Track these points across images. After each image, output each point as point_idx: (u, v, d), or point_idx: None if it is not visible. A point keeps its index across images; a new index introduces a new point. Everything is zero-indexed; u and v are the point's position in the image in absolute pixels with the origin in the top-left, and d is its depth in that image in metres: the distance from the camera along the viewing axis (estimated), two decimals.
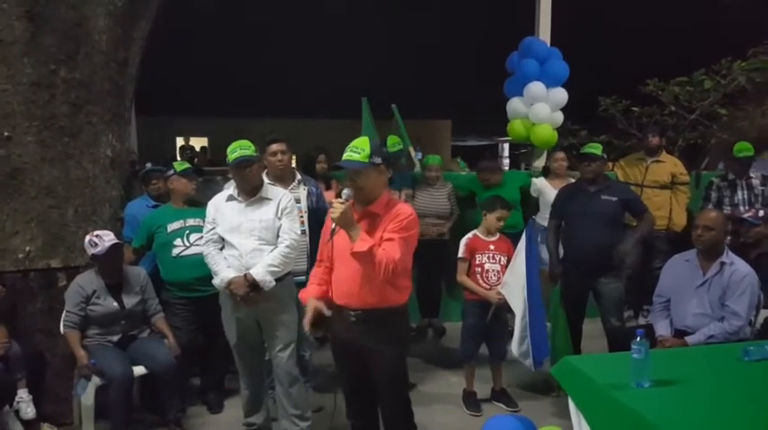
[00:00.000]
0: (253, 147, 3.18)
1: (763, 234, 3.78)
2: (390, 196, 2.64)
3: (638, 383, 2.18)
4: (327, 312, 2.57)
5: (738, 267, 3.21)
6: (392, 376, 2.61)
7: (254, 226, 3.13)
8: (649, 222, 3.98)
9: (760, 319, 3.45)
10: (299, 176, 3.79)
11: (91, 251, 3.36)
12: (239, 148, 3.11)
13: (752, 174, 4.80)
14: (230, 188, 3.27)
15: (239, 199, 3.18)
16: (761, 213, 3.91)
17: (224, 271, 3.11)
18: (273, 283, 3.07)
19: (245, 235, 3.13)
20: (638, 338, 2.19)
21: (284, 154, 3.62)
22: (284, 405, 3.23)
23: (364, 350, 2.57)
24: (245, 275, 3.06)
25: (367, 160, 2.47)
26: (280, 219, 3.17)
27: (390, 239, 2.44)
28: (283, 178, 3.68)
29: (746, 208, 4.58)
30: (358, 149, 2.49)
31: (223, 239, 3.19)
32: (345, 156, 2.50)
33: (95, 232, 3.41)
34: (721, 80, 6.79)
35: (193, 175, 3.90)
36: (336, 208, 2.39)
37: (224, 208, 3.19)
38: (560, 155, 5.20)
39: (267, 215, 3.15)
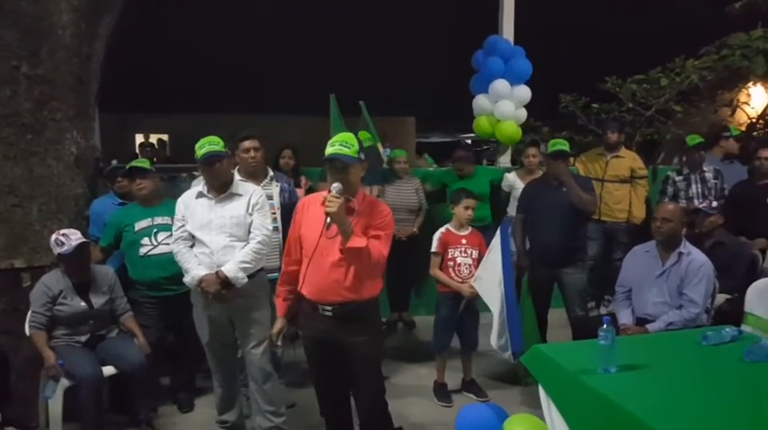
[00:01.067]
0: (221, 143, 3.14)
1: (717, 224, 3.96)
2: (366, 194, 2.69)
3: (605, 369, 2.28)
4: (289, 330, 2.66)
5: (695, 257, 3.36)
6: (368, 367, 2.66)
7: (225, 222, 3.10)
8: (586, 197, 3.97)
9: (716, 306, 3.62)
10: (270, 173, 3.79)
11: (57, 250, 3.29)
12: (207, 144, 3.07)
13: (705, 168, 5.02)
14: (200, 185, 3.24)
15: (209, 195, 3.15)
16: (714, 204, 4.09)
17: (195, 268, 3.07)
18: (246, 280, 3.05)
19: (216, 232, 3.10)
20: (605, 325, 2.29)
21: (257, 151, 3.61)
22: (258, 401, 3.22)
23: (340, 344, 2.60)
24: (216, 272, 3.03)
25: (356, 155, 2.51)
26: (251, 214, 3.14)
27: (377, 237, 2.51)
28: (255, 175, 3.67)
29: (700, 200, 4.78)
30: (348, 144, 2.50)
31: (193, 237, 3.16)
32: (334, 149, 2.49)
33: (61, 231, 3.34)
34: (676, 78, 7.04)
35: (135, 175, 3.76)
36: (332, 202, 2.39)
37: (194, 205, 3.16)
38: (532, 150, 5.33)
39: (238, 211, 3.12)
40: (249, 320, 3.16)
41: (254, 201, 3.18)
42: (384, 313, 4.99)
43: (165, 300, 3.66)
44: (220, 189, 3.15)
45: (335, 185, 2.45)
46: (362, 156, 2.55)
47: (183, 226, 3.17)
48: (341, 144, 2.50)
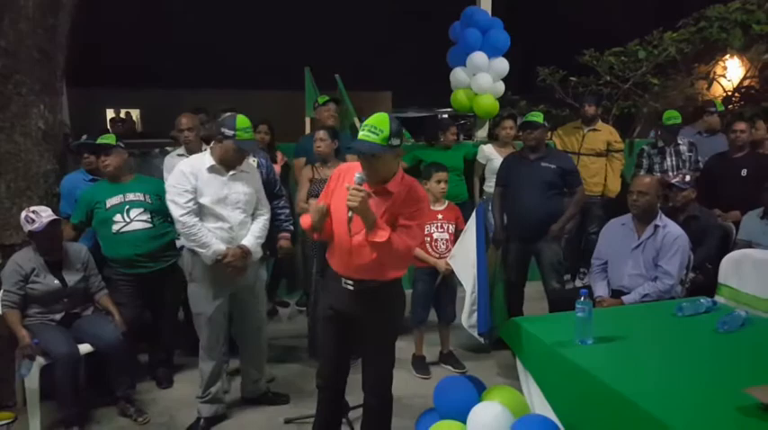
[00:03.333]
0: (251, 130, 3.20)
1: (690, 198, 4.01)
2: (403, 172, 2.50)
3: (582, 340, 2.32)
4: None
5: (671, 230, 3.41)
6: (381, 344, 2.63)
7: (240, 198, 3.17)
8: (579, 200, 4.12)
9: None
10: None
11: (28, 228, 3.21)
12: (247, 130, 3.11)
13: (679, 141, 5.08)
14: (203, 157, 3.16)
15: (220, 170, 3.13)
16: (687, 178, 4.14)
17: (216, 243, 3.09)
18: (261, 253, 3.28)
19: (231, 207, 3.15)
20: (582, 298, 2.32)
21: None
22: (253, 361, 3.50)
23: (358, 317, 2.57)
24: (239, 246, 3.16)
25: (385, 143, 2.29)
26: (257, 191, 3.28)
27: (407, 227, 2.38)
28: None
29: (675, 173, 4.84)
30: (377, 130, 2.29)
31: (200, 211, 3.12)
32: (361, 135, 2.31)
33: (31, 208, 3.25)
34: (654, 51, 7.05)
35: (100, 152, 3.64)
36: (354, 195, 2.25)
37: (208, 178, 3.11)
38: (509, 122, 5.33)
39: (250, 187, 3.22)
40: (255, 291, 3.40)
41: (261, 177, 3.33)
42: None
43: (140, 277, 3.61)
44: (231, 165, 3.15)
45: (358, 176, 2.32)
46: (395, 142, 2.31)
47: (193, 198, 3.09)
48: (369, 129, 2.30)
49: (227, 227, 3.14)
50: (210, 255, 3.09)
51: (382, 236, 2.30)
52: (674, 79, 7.52)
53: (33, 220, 3.19)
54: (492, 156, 5.18)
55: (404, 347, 4.22)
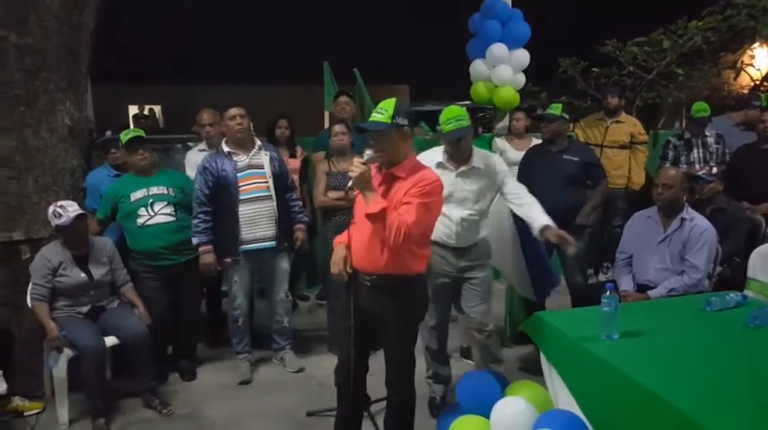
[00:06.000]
0: (467, 118, 3.01)
1: (717, 190, 3.93)
2: (417, 161, 2.55)
3: (608, 335, 2.29)
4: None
5: (698, 222, 3.34)
6: (399, 342, 2.59)
7: (466, 196, 3.08)
8: (603, 191, 4.08)
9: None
10: (258, 142, 3.76)
11: (55, 222, 3.26)
12: (455, 120, 2.96)
13: (707, 133, 4.98)
14: (436, 153, 3.12)
15: (450, 167, 3.07)
16: (714, 170, 4.06)
17: None
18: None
19: (454, 204, 3.06)
20: (608, 292, 2.29)
21: (243, 117, 3.59)
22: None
23: (376, 314, 2.55)
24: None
25: (390, 121, 2.40)
26: (486, 188, 3.12)
27: (408, 203, 2.38)
28: (243, 143, 3.66)
29: (701, 165, 4.76)
30: (381, 110, 2.42)
31: None
32: (371, 117, 2.46)
33: (58, 203, 3.31)
34: (678, 40, 6.92)
35: (136, 145, 3.68)
36: (355, 168, 2.35)
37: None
38: (518, 114, 5.29)
39: (477, 185, 3.08)
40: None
41: (501, 172, 3.13)
42: None
43: (163, 269, 3.66)
44: (462, 162, 3.07)
45: (367, 152, 2.41)
46: (400, 121, 2.41)
47: None
48: (376, 111, 2.45)
49: (447, 223, 3.05)
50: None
51: (374, 207, 2.33)
52: (700, 69, 7.37)
53: (60, 215, 3.24)
54: (505, 148, 5.14)
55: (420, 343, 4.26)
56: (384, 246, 2.43)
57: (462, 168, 3.07)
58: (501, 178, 3.15)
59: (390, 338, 2.59)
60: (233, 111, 3.59)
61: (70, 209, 3.27)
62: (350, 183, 2.39)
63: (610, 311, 2.29)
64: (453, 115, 2.98)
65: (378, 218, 2.33)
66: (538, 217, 3.06)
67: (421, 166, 2.52)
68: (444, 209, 2.97)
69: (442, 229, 3.08)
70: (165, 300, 3.73)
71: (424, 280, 2.65)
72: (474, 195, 3.08)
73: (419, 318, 2.72)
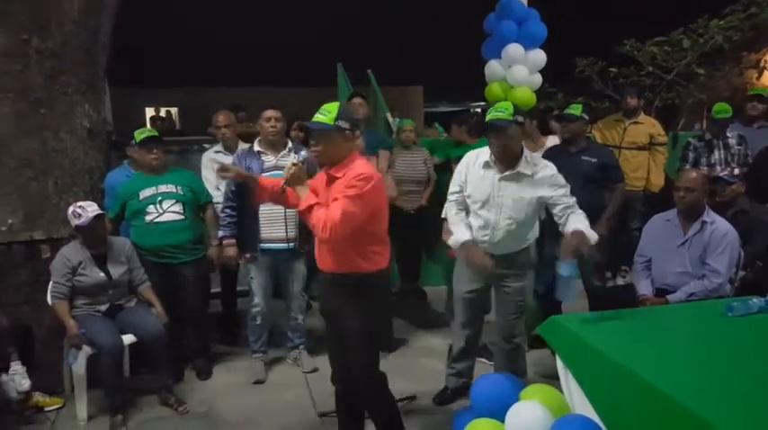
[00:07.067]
0: (510, 109, 2.87)
1: (739, 192, 3.86)
2: (357, 160, 2.55)
3: (565, 298, 2.57)
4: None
5: (719, 226, 3.28)
6: (354, 341, 2.59)
7: (504, 202, 2.96)
8: (619, 197, 4.01)
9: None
10: (290, 144, 3.79)
11: (74, 222, 3.31)
12: (494, 110, 2.89)
13: (728, 134, 4.89)
14: (485, 152, 3.01)
15: (494, 168, 2.99)
16: (736, 172, 3.99)
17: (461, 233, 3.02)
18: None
19: (493, 208, 3.00)
20: (565, 264, 2.50)
21: (278, 120, 3.65)
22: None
23: (334, 312, 2.64)
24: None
25: (332, 122, 2.47)
26: (529, 198, 2.96)
27: (336, 199, 2.42)
28: (275, 145, 3.70)
29: (723, 167, 4.67)
30: (325, 112, 2.50)
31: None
32: (314, 118, 2.52)
33: (78, 203, 3.36)
34: (699, 39, 6.81)
35: (152, 145, 3.73)
36: (288, 167, 2.52)
37: (478, 175, 3.02)
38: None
39: (519, 193, 2.95)
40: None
41: (553, 187, 2.92)
42: (395, 284, 5.02)
43: (168, 267, 3.69)
44: (508, 164, 2.94)
45: (302, 153, 2.56)
46: (342, 125, 2.47)
47: (459, 191, 3.11)
48: (320, 112, 2.51)
49: (482, 224, 3.02)
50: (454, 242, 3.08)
51: (303, 204, 2.46)
52: (721, 69, 7.25)
53: (80, 215, 3.29)
54: None
55: (438, 344, 4.26)
56: (332, 247, 2.54)
57: (507, 173, 2.95)
58: (551, 194, 2.93)
59: (344, 335, 2.62)
60: (269, 113, 3.65)
61: (89, 209, 3.32)
62: (282, 183, 2.56)
63: (567, 276, 2.51)
64: (499, 106, 2.90)
65: (304, 214, 2.47)
66: (574, 223, 2.87)
67: (359, 163, 2.53)
68: (482, 212, 3.00)
69: (481, 233, 3.03)
70: (169, 297, 3.70)
71: (383, 279, 2.66)
72: (513, 202, 2.95)
73: (375, 316, 2.66)
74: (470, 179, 3.06)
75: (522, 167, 2.93)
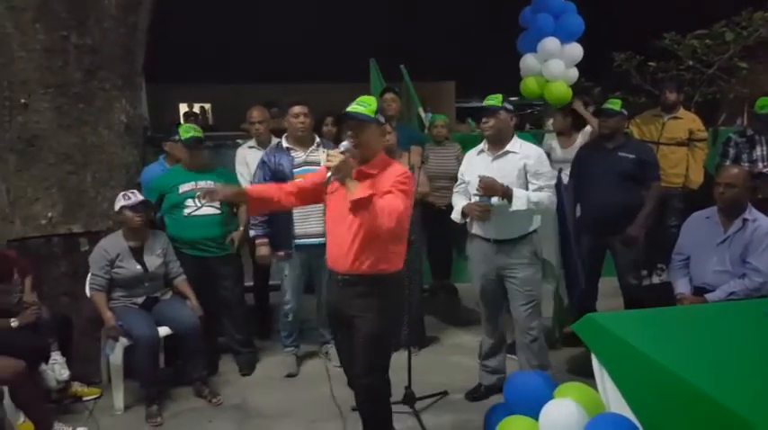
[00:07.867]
0: (501, 99, 3.18)
1: None
2: (387, 158, 2.57)
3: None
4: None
5: (762, 223, 3.17)
6: (369, 345, 2.50)
7: (496, 178, 3.07)
8: (655, 195, 3.89)
9: None
10: (318, 140, 3.81)
11: (123, 203, 3.39)
12: (488, 99, 3.19)
13: None
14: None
15: (487, 152, 3.23)
16: None
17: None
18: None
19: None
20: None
21: (306, 116, 3.66)
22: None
23: (348, 315, 2.54)
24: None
25: (373, 115, 2.44)
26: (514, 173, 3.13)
27: (389, 192, 2.37)
28: (303, 141, 3.71)
29: (765, 164, 4.53)
30: (364, 103, 2.46)
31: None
32: (350, 108, 2.46)
33: (128, 191, 3.48)
34: (742, 32, 6.59)
35: (195, 146, 3.75)
36: (334, 158, 2.30)
37: (475, 160, 3.27)
38: (557, 114, 5.17)
39: (506, 169, 3.13)
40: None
41: (532, 164, 3.12)
42: (426, 280, 4.99)
43: (203, 260, 3.73)
44: (500, 145, 3.18)
45: (344, 143, 2.41)
46: (380, 118, 2.46)
47: (462, 182, 3.33)
48: (357, 103, 2.47)
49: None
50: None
51: (362, 193, 2.27)
52: (765, 62, 7.01)
53: (129, 197, 3.41)
54: (554, 145, 5.02)
55: (469, 340, 4.24)
56: (358, 245, 2.43)
57: (498, 152, 3.15)
58: (532, 163, 3.10)
59: (357, 338, 2.52)
60: (297, 109, 3.66)
61: (138, 195, 3.45)
62: (328, 174, 2.32)
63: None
64: (491, 97, 3.18)
65: (364, 204, 2.27)
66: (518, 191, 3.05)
67: (388, 160, 2.56)
68: (477, 195, 3.10)
69: (478, 221, 3.13)
70: (204, 291, 3.73)
71: (399, 279, 2.59)
72: (502, 178, 3.04)
73: (390, 318, 2.59)
74: (469, 168, 3.29)
75: (511, 146, 3.16)
